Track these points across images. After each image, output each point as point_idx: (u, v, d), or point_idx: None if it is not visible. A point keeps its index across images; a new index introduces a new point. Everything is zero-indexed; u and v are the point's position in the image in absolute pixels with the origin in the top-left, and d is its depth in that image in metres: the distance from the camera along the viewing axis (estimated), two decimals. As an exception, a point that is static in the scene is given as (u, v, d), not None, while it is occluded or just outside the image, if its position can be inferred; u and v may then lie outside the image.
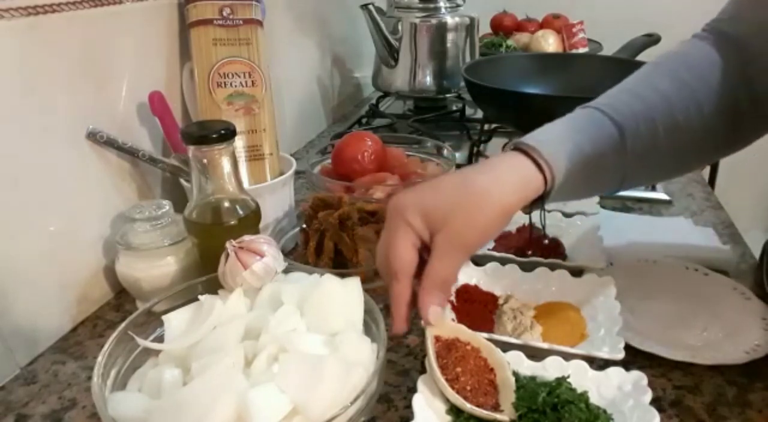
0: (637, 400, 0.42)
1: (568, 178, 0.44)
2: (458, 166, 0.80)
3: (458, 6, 1.22)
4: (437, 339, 0.44)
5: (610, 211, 0.80)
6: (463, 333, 0.45)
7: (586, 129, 0.47)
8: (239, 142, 0.68)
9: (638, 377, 0.44)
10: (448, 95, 1.26)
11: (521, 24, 1.68)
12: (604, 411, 0.41)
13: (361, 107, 1.42)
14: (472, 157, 1.01)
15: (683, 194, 0.87)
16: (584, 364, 0.46)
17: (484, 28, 1.61)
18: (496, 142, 1.08)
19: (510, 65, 1.07)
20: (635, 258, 0.65)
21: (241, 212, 0.54)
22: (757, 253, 0.69)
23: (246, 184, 0.62)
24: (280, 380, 0.37)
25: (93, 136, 0.59)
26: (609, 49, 1.42)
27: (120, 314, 0.62)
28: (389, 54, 1.20)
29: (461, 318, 0.54)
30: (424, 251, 0.43)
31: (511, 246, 0.65)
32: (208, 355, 0.40)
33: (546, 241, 0.65)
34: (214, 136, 0.50)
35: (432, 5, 1.19)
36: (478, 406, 0.41)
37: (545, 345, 0.49)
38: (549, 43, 1.49)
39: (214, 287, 0.48)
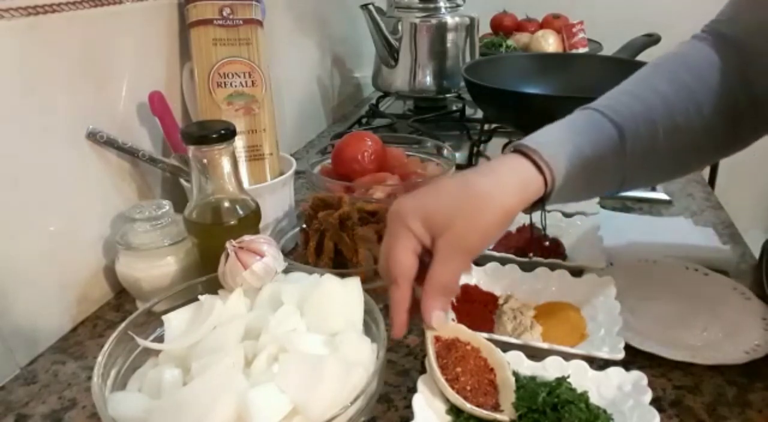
0: (637, 400, 0.42)
1: (568, 180, 0.44)
2: (458, 166, 0.80)
3: (458, 6, 1.22)
4: (437, 339, 0.44)
5: (610, 211, 0.80)
6: (463, 333, 0.45)
7: (586, 130, 0.47)
8: (239, 142, 0.68)
9: (638, 377, 0.44)
10: (448, 95, 1.26)
11: (521, 24, 1.68)
12: (604, 411, 0.41)
13: (361, 107, 1.42)
14: (472, 157, 1.01)
15: (683, 194, 0.87)
16: (584, 364, 0.46)
17: (484, 28, 1.61)
18: (496, 142, 1.08)
19: (510, 65, 1.07)
20: (635, 258, 0.65)
21: (241, 212, 0.54)
22: (756, 253, 0.69)
23: (246, 184, 0.62)
24: (280, 380, 0.37)
25: (93, 136, 0.59)
26: (609, 49, 1.42)
27: (120, 314, 0.62)
28: (389, 54, 1.20)
29: (461, 318, 0.54)
30: (426, 256, 0.43)
31: (511, 246, 0.65)
32: (208, 355, 0.40)
33: (547, 243, 0.65)
34: (214, 136, 0.50)
35: (432, 5, 1.19)
36: (478, 406, 0.41)
37: (545, 345, 0.49)
38: (549, 43, 1.49)
39: (214, 287, 0.48)
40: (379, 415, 0.47)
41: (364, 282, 0.47)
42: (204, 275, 0.50)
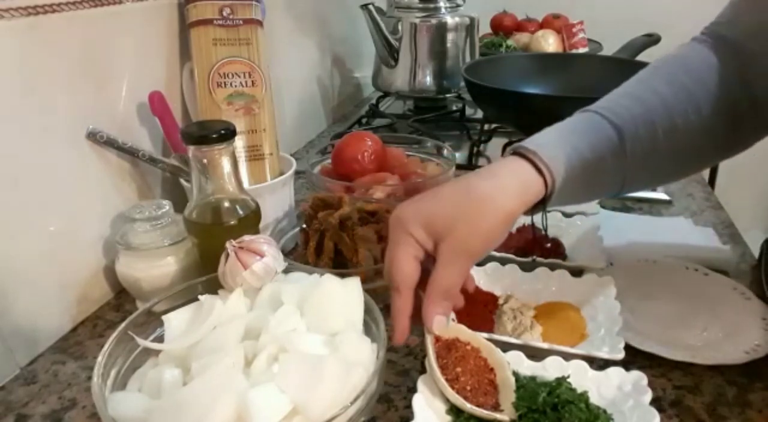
0: (637, 400, 0.42)
1: (568, 182, 0.44)
2: (458, 166, 0.80)
3: (458, 6, 1.22)
4: (437, 339, 0.44)
5: (610, 211, 0.80)
6: (463, 333, 0.45)
7: (585, 132, 0.47)
8: (239, 142, 0.68)
9: (638, 377, 0.44)
10: (448, 95, 1.26)
11: (521, 24, 1.68)
12: (604, 411, 0.41)
13: (361, 107, 1.42)
14: (472, 157, 1.01)
15: (683, 194, 0.87)
16: (584, 364, 0.46)
17: (484, 28, 1.61)
18: (496, 142, 1.08)
19: (510, 65, 1.07)
20: (635, 258, 0.65)
21: (241, 212, 0.54)
22: (756, 253, 0.69)
23: (246, 184, 0.62)
24: (280, 380, 0.37)
25: (93, 136, 0.59)
26: (609, 49, 1.42)
27: (120, 314, 0.62)
28: (389, 54, 1.20)
29: (461, 318, 0.54)
30: (429, 261, 0.43)
31: (511, 246, 0.65)
32: (208, 355, 0.40)
33: (548, 244, 0.65)
34: (214, 136, 0.50)
35: (432, 5, 1.19)
36: (478, 406, 0.41)
37: (545, 345, 0.49)
38: (549, 43, 1.49)
39: (214, 287, 0.48)
40: (379, 415, 0.47)
41: (364, 282, 0.47)
42: (204, 275, 0.50)
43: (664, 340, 0.52)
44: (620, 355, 0.47)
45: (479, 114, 1.22)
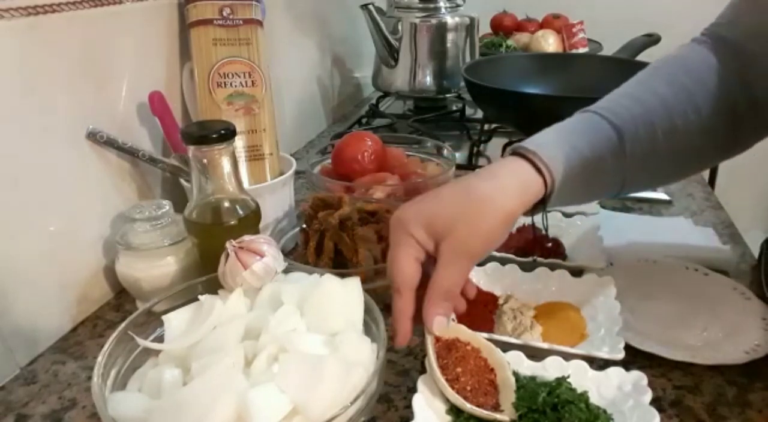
0: (637, 400, 0.42)
1: (567, 181, 0.44)
2: (458, 166, 0.80)
3: (458, 6, 1.22)
4: (437, 339, 0.44)
5: (610, 211, 0.80)
6: (463, 333, 0.45)
7: (585, 132, 0.47)
8: (239, 142, 0.68)
9: (638, 377, 0.44)
10: (448, 95, 1.26)
11: (521, 24, 1.68)
12: (604, 411, 0.41)
13: (361, 107, 1.42)
14: (472, 157, 1.01)
15: (683, 194, 0.87)
16: (584, 364, 0.46)
17: (484, 28, 1.61)
18: (496, 142, 1.08)
19: (510, 65, 1.07)
20: (635, 258, 0.65)
21: (241, 212, 0.54)
22: (756, 253, 0.69)
23: (246, 184, 0.62)
24: (280, 380, 0.37)
25: (93, 136, 0.59)
26: (609, 49, 1.42)
27: (120, 314, 0.62)
28: (389, 54, 1.20)
29: (461, 319, 0.54)
30: (431, 264, 0.43)
31: (511, 246, 0.65)
32: (208, 355, 0.40)
33: (548, 244, 0.65)
34: (214, 136, 0.50)
35: (432, 5, 1.19)
36: (478, 406, 0.41)
37: (545, 345, 0.49)
38: (549, 43, 1.49)
39: (214, 287, 0.48)
40: (379, 415, 0.47)
41: (364, 282, 0.47)
42: (204, 275, 0.50)
43: (664, 340, 0.52)
44: (620, 355, 0.47)
45: (479, 114, 1.22)
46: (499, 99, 0.89)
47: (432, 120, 1.20)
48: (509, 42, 1.56)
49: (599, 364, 0.46)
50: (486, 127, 1.11)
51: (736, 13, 0.51)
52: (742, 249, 0.71)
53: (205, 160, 0.52)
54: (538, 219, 0.57)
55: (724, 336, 0.54)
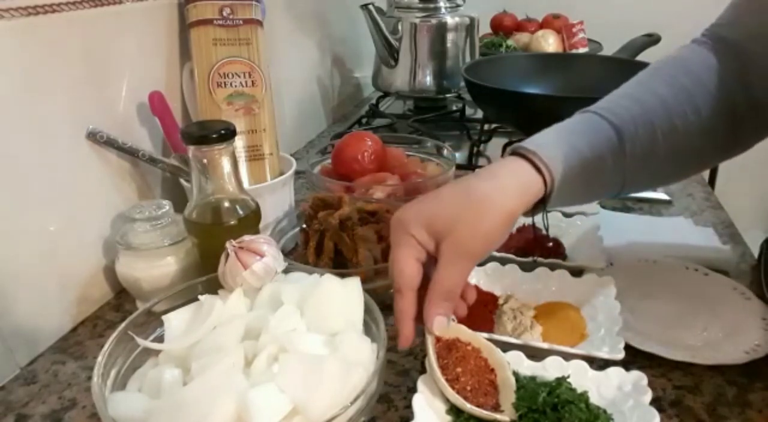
0: (637, 400, 0.42)
1: (567, 181, 0.44)
2: (458, 166, 0.80)
3: (458, 6, 1.22)
4: (438, 339, 0.44)
5: (610, 211, 0.80)
6: (464, 333, 0.45)
7: (585, 132, 0.47)
8: (239, 142, 0.68)
9: (638, 377, 0.44)
10: (448, 95, 1.26)
11: (521, 24, 1.68)
12: (604, 411, 0.41)
13: (361, 107, 1.42)
14: (472, 157, 1.01)
15: (683, 194, 0.87)
16: (584, 364, 0.46)
17: (484, 28, 1.61)
18: (496, 142, 1.08)
19: (510, 65, 1.07)
20: (635, 258, 0.65)
21: (241, 212, 0.54)
22: (756, 253, 0.69)
23: (246, 184, 0.62)
24: (280, 380, 0.37)
25: (93, 136, 0.59)
26: (609, 49, 1.42)
27: (120, 314, 0.62)
28: (389, 54, 1.20)
29: (461, 319, 0.54)
30: (431, 266, 0.43)
31: (511, 246, 0.65)
32: (208, 355, 0.40)
33: (548, 244, 0.65)
34: (214, 136, 0.50)
35: (432, 5, 1.19)
36: (478, 406, 0.41)
37: (545, 345, 0.49)
38: (549, 43, 1.49)
39: (214, 287, 0.48)
40: (379, 415, 0.47)
41: (364, 282, 0.47)
42: (204, 275, 0.50)
43: (664, 340, 0.52)
44: (620, 355, 0.47)
45: (479, 114, 1.22)
46: (499, 99, 0.89)
47: (432, 120, 1.19)
48: (509, 42, 1.56)
49: (599, 364, 0.46)
50: (486, 127, 1.11)
51: (737, 13, 0.51)
52: (742, 249, 0.71)
53: (205, 160, 0.52)
54: (538, 219, 0.57)
55: (724, 336, 0.54)
